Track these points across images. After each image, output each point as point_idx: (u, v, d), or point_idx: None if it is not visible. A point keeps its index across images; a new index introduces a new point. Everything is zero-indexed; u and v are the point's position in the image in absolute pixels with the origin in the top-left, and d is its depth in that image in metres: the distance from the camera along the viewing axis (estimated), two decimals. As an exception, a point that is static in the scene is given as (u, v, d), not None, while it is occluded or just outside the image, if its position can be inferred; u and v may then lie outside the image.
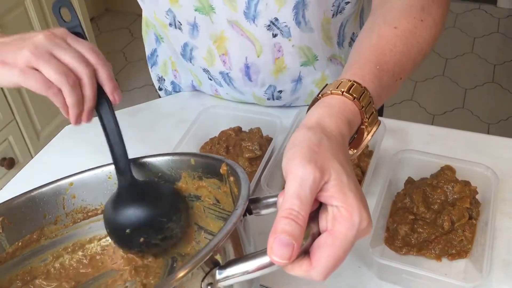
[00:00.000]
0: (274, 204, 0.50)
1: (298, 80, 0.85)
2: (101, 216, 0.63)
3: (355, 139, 0.51)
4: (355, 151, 0.51)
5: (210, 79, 0.88)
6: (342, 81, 0.50)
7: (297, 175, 0.40)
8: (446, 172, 0.71)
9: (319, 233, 0.42)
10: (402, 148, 0.76)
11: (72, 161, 0.86)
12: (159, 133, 0.91)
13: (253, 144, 0.79)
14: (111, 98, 0.61)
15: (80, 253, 0.64)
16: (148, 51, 0.98)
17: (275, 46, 0.78)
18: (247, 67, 0.81)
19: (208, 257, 0.42)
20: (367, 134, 0.51)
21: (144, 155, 0.64)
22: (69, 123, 0.96)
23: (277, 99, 0.88)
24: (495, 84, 2.42)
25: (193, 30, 0.79)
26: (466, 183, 0.70)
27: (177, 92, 0.99)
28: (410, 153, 0.75)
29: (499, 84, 2.41)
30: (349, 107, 0.48)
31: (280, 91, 0.86)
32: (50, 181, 0.63)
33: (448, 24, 2.79)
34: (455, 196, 0.69)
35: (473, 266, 0.65)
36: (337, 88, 0.49)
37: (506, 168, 0.77)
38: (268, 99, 0.87)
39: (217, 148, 0.80)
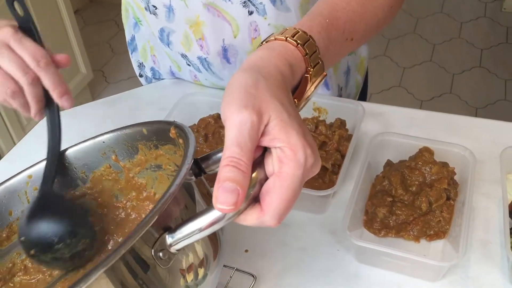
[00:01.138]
0: None
1: None
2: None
3: (299, 89, 0.48)
4: (297, 102, 0.49)
5: (188, 64, 0.87)
6: (287, 29, 0.49)
7: (235, 121, 0.39)
8: (424, 154, 0.71)
9: (266, 179, 0.41)
10: (382, 131, 0.76)
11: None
12: (140, 121, 0.90)
13: (232, 130, 0.78)
14: (59, 104, 0.62)
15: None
16: (128, 37, 0.97)
17: (251, 25, 0.77)
18: (224, 49, 0.80)
19: (152, 223, 0.40)
20: (311, 85, 0.48)
21: (97, 134, 0.62)
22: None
23: None
24: (482, 68, 2.42)
25: (169, 13, 0.78)
26: (444, 164, 0.70)
27: (157, 79, 0.98)
28: (389, 136, 0.75)
29: (486, 68, 2.41)
30: (291, 52, 0.46)
31: None
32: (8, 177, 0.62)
33: (435, 10, 2.79)
34: (433, 178, 0.69)
35: (451, 246, 0.65)
36: (281, 34, 0.48)
37: (485, 149, 0.77)
38: None
39: (195, 136, 0.79)
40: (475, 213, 0.69)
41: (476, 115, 2.18)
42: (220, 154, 0.49)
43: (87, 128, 0.90)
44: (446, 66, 2.45)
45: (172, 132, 0.55)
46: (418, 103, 2.27)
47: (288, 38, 0.47)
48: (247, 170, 0.39)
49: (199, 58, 0.84)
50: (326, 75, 0.50)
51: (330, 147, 0.76)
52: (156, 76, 0.98)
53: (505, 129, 0.81)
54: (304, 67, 0.48)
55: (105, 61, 2.65)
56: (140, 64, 0.99)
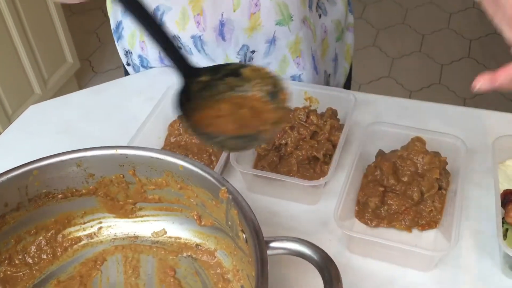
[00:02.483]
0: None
1: (272, 41, 0.84)
2: (68, 198, 0.62)
3: None
4: None
5: (179, 47, 0.86)
6: None
7: None
8: (416, 144, 0.70)
9: None
10: (374, 121, 0.75)
11: (36, 142, 0.84)
12: (126, 112, 0.88)
13: (222, 120, 0.77)
14: None
15: (43, 235, 0.62)
16: (113, 24, 0.95)
17: None
18: (222, 24, 0.81)
19: None
20: None
21: (122, 146, 0.60)
22: (33, 103, 0.93)
23: (249, 61, 0.87)
24: (471, 59, 2.43)
25: None
26: (436, 154, 0.70)
27: (144, 67, 0.97)
28: (381, 126, 0.74)
29: (475, 59, 2.42)
30: None
31: (253, 51, 0.85)
32: (12, 167, 0.59)
33: (424, 0, 2.79)
34: (425, 167, 0.68)
35: (443, 236, 0.65)
36: None
37: (476, 138, 0.77)
38: (241, 61, 0.87)
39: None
40: (467, 202, 0.68)
41: (464, 105, 2.19)
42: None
43: (73, 118, 0.88)
44: (435, 57, 2.45)
45: (224, 194, 0.54)
46: (407, 93, 2.28)
47: None
48: None
49: (193, 37, 0.83)
50: None
51: (321, 137, 0.75)
52: (144, 64, 0.96)
53: (496, 119, 0.81)
54: None
55: (92, 50, 2.61)
56: (127, 52, 0.97)
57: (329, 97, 0.81)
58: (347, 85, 1.05)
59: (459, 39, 2.54)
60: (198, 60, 0.88)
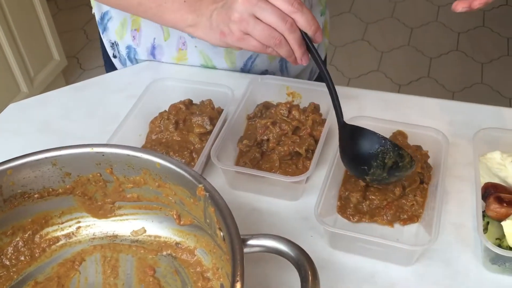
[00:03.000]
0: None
1: None
2: (45, 197, 0.61)
3: None
4: None
5: None
6: None
7: None
8: (398, 138, 0.70)
9: None
10: (356, 115, 0.75)
11: (16, 141, 0.83)
12: (108, 109, 0.87)
13: (203, 119, 0.76)
14: (315, 39, 0.67)
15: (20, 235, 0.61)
16: (98, 16, 0.94)
17: None
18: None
19: None
20: None
21: (97, 144, 0.60)
22: (13, 102, 0.92)
23: None
24: (459, 52, 2.43)
25: None
26: (418, 148, 0.69)
27: (131, 59, 0.95)
28: (363, 120, 0.73)
29: (464, 52, 2.42)
30: None
31: None
32: None
33: (413, -7, 2.79)
34: (407, 162, 0.68)
35: (424, 230, 0.64)
36: None
37: (459, 131, 0.77)
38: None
39: (166, 124, 0.77)
40: (448, 196, 0.68)
41: (453, 99, 2.20)
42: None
43: (54, 116, 0.87)
44: (423, 50, 2.45)
45: (201, 192, 0.54)
46: (396, 87, 2.28)
47: None
48: None
49: (128, 48, 0.87)
50: None
51: (303, 132, 0.74)
52: (131, 54, 0.95)
53: (478, 112, 0.81)
54: None
55: (80, 47, 2.59)
56: (113, 43, 0.96)
57: (312, 92, 0.80)
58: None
59: (447, 32, 2.54)
60: (197, 44, 0.90)
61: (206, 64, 0.92)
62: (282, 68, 0.94)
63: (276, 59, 0.92)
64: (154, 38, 0.91)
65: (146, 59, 0.94)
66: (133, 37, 0.92)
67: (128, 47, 0.94)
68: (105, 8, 0.92)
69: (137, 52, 0.94)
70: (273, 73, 0.93)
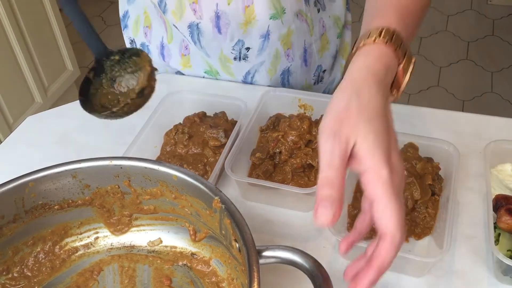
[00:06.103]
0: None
1: (266, 35, 0.87)
2: (65, 209, 0.62)
3: (395, 80, 0.53)
4: (397, 92, 0.54)
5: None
6: (371, 30, 0.52)
7: (325, 148, 0.45)
8: (409, 150, 0.71)
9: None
10: (367, 128, 0.76)
11: (34, 152, 0.85)
12: (124, 121, 0.89)
13: (218, 131, 0.77)
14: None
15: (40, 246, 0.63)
16: (121, 12, 0.98)
17: None
18: (217, 17, 0.83)
19: None
20: (406, 74, 0.53)
21: (116, 156, 0.62)
22: (34, 112, 0.94)
23: (243, 59, 0.89)
24: (469, 61, 2.43)
25: None
26: (429, 160, 0.70)
27: None
28: (374, 132, 0.74)
29: (473, 61, 2.43)
30: (385, 52, 0.50)
31: (248, 49, 0.88)
32: (7, 180, 0.60)
33: (422, 3, 2.80)
34: (418, 173, 0.69)
35: (436, 242, 0.65)
36: (369, 37, 0.51)
37: (469, 143, 0.77)
38: (235, 58, 0.89)
39: (180, 138, 0.78)
40: (459, 208, 0.69)
41: (463, 108, 2.20)
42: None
43: (71, 128, 0.89)
44: (433, 59, 2.46)
45: (217, 204, 0.55)
46: (406, 96, 2.28)
47: (376, 39, 0.51)
48: (340, 188, 0.44)
49: (190, 26, 0.86)
50: (415, 60, 0.53)
51: (316, 145, 0.75)
52: None
53: (488, 123, 0.81)
54: (396, 61, 0.52)
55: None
56: (132, 41, 1.00)
57: (324, 104, 0.81)
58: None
59: (457, 41, 2.54)
60: (195, 51, 0.90)
61: (210, 70, 0.94)
62: (284, 82, 0.95)
63: (277, 74, 0.93)
64: (162, 37, 0.95)
65: (157, 58, 0.97)
66: (145, 33, 0.97)
67: (142, 45, 0.99)
68: (126, 6, 0.96)
69: (150, 50, 0.98)
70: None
